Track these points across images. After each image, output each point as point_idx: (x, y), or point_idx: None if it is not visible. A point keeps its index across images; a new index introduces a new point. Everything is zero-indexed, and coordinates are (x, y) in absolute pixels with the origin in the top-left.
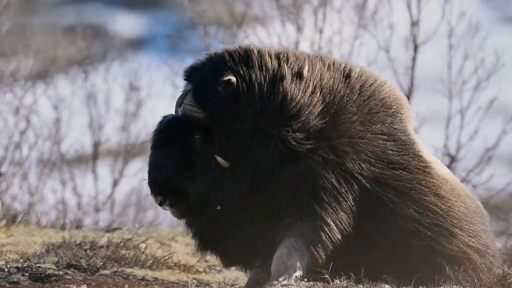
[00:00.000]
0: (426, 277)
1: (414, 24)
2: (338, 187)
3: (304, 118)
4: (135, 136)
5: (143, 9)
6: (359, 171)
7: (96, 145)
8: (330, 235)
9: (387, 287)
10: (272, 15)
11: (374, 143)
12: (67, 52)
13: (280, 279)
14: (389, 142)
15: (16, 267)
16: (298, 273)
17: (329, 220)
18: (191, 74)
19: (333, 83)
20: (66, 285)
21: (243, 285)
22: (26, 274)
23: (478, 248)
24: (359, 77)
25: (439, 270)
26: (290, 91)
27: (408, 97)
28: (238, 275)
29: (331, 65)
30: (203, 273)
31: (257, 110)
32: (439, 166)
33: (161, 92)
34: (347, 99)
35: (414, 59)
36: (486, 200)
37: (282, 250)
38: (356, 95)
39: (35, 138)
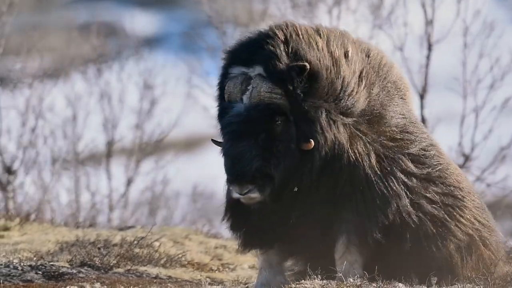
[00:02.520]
0: (441, 257)
1: (429, 23)
2: (385, 177)
3: (355, 101)
4: (149, 135)
5: (157, 7)
6: (395, 153)
7: (110, 143)
8: (379, 229)
9: (400, 286)
10: (287, 14)
11: (396, 123)
12: (81, 50)
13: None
14: (406, 121)
15: (30, 265)
16: (359, 269)
17: (378, 212)
18: (249, 59)
19: (361, 63)
20: (80, 284)
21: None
22: (40, 272)
23: (486, 223)
24: (375, 56)
25: (454, 251)
26: (346, 75)
27: (423, 95)
28: (251, 274)
29: (354, 43)
30: (217, 271)
31: (323, 94)
32: (441, 148)
33: (175, 90)
34: (373, 79)
35: (428, 57)
36: (501, 199)
37: (342, 247)
38: (375, 75)
39: (49, 136)
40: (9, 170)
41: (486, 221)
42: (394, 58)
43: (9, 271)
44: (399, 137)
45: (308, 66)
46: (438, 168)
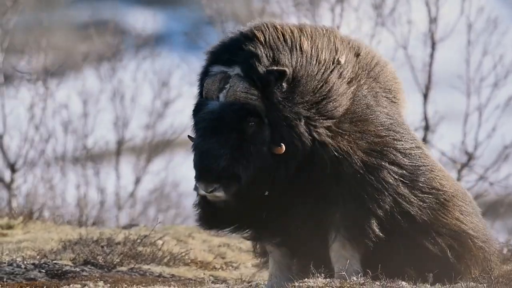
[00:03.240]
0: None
1: (433, 20)
2: (375, 170)
3: (338, 105)
4: (160, 134)
5: (160, 5)
6: (382, 147)
7: (120, 142)
8: (372, 223)
9: (403, 284)
10: (289, 12)
11: (381, 122)
12: (86, 48)
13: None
14: (392, 121)
15: (33, 264)
16: (357, 265)
17: (368, 206)
18: (228, 58)
19: (350, 64)
20: (83, 282)
21: (260, 281)
22: (43, 270)
23: (470, 224)
24: (365, 55)
25: (445, 248)
26: (331, 79)
27: (426, 94)
28: (254, 272)
29: (342, 41)
30: (220, 269)
31: (304, 99)
32: (428, 150)
33: (179, 89)
34: (362, 81)
35: (432, 55)
36: (504, 198)
37: (336, 244)
38: (366, 76)
39: (58, 133)
40: (13, 168)
41: (471, 223)
42: (397, 56)
43: (13, 269)
44: (384, 134)
45: (288, 72)
46: (423, 169)
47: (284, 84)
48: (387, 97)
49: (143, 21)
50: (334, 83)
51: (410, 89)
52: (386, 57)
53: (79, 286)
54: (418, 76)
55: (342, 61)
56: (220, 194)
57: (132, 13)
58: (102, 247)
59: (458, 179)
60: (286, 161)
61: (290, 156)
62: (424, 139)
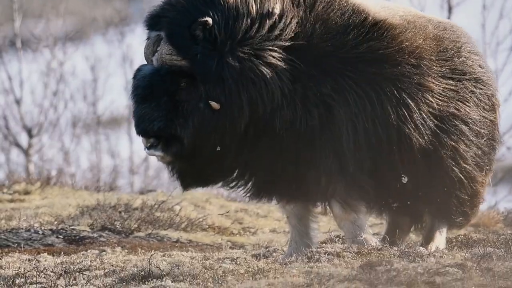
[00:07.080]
0: None
1: None
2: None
3: (284, 44)
4: None
5: None
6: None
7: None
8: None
9: (421, 249)
10: None
11: (338, 46)
12: (102, 13)
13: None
14: (348, 30)
15: (51, 230)
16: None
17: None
18: (157, 22)
19: (290, 10)
20: (101, 248)
21: (277, 247)
22: (61, 236)
23: (443, 71)
24: None
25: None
26: (264, 23)
27: None
28: (272, 237)
29: None
30: (238, 235)
31: (238, 46)
32: (381, 11)
33: None
34: (307, 24)
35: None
36: None
37: (337, 209)
38: (308, 10)
39: (70, 99)
40: (30, 133)
41: (444, 71)
42: None
43: (30, 235)
44: (341, 64)
45: (210, 22)
46: (377, 51)
47: (210, 38)
48: (333, 11)
49: None
50: (275, 59)
51: None
52: None
53: (96, 251)
54: None
55: (277, 10)
56: (158, 153)
57: None
58: (120, 212)
59: None
60: (232, 114)
61: (234, 109)
62: None
